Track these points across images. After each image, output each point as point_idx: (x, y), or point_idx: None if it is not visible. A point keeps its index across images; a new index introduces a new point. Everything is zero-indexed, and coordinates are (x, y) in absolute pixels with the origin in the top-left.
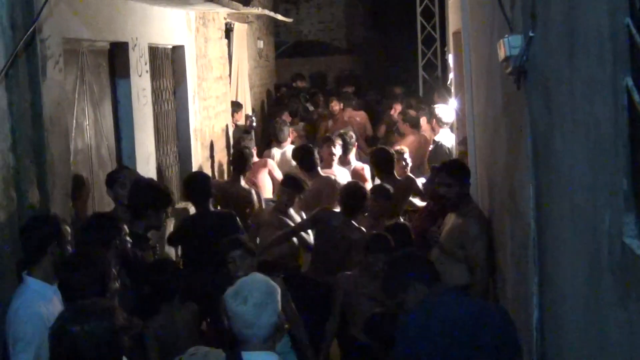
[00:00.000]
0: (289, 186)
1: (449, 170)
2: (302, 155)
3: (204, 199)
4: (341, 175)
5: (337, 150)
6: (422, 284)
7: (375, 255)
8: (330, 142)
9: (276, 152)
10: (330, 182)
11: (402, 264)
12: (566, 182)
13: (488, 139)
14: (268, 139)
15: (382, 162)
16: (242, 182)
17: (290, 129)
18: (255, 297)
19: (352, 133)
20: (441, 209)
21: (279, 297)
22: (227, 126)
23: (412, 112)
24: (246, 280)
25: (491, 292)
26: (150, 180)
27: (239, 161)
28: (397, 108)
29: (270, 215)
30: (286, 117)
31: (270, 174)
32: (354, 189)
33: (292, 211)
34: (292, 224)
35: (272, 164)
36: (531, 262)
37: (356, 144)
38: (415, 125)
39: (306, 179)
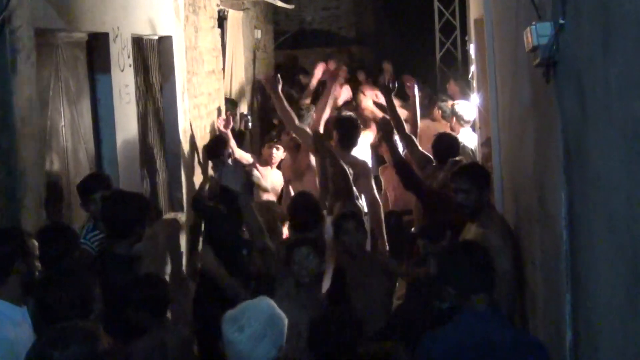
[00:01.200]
0: None
1: (466, 175)
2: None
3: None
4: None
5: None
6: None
7: None
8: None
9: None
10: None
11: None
12: (602, 186)
13: (514, 139)
14: (266, 141)
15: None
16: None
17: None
18: (253, 326)
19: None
20: (457, 219)
21: (284, 329)
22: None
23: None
24: (248, 305)
25: (518, 312)
26: (124, 192)
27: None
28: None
29: None
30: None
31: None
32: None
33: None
34: None
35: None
36: (563, 277)
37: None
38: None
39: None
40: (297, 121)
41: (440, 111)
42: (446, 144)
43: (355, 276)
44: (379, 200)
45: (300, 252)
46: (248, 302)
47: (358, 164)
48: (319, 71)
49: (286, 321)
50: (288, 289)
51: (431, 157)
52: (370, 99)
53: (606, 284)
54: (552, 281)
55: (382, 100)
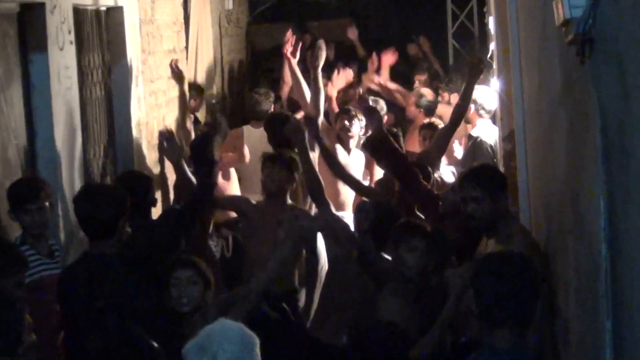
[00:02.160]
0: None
1: (477, 179)
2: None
3: None
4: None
5: (356, 127)
6: None
7: None
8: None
9: (250, 132)
10: None
11: None
12: None
13: (542, 133)
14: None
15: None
16: None
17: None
18: (227, 351)
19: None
20: (469, 234)
21: (257, 350)
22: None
23: (426, 93)
24: (212, 330)
25: (548, 343)
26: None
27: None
28: (422, 79)
29: None
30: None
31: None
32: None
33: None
34: None
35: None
36: (603, 300)
37: None
38: (430, 113)
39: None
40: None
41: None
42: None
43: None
44: None
45: None
46: (209, 328)
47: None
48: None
49: (258, 342)
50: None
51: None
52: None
53: None
54: (589, 307)
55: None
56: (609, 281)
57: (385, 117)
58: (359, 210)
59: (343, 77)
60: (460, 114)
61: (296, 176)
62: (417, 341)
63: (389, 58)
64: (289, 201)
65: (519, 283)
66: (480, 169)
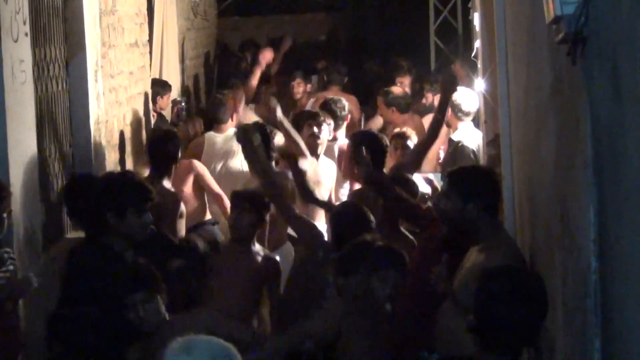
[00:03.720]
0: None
1: (452, 175)
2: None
3: None
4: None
5: (325, 133)
6: None
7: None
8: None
9: (212, 138)
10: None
11: None
12: None
13: (529, 138)
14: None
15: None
16: (167, 183)
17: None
18: (203, 347)
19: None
20: (454, 239)
21: None
22: (146, 116)
23: (396, 90)
24: (200, 337)
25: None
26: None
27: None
28: (405, 82)
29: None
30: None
31: (198, 180)
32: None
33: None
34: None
35: (200, 167)
36: (591, 316)
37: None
38: (405, 108)
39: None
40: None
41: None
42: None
43: None
44: None
45: None
46: (197, 335)
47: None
48: (264, 58)
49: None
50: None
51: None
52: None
53: None
54: (577, 323)
55: None
56: (598, 297)
57: (348, 117)
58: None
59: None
60: (436, 127)
61: (266, 218)
62: None
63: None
64: (256, 246)
65: (526, 307)
66: (463, 169)
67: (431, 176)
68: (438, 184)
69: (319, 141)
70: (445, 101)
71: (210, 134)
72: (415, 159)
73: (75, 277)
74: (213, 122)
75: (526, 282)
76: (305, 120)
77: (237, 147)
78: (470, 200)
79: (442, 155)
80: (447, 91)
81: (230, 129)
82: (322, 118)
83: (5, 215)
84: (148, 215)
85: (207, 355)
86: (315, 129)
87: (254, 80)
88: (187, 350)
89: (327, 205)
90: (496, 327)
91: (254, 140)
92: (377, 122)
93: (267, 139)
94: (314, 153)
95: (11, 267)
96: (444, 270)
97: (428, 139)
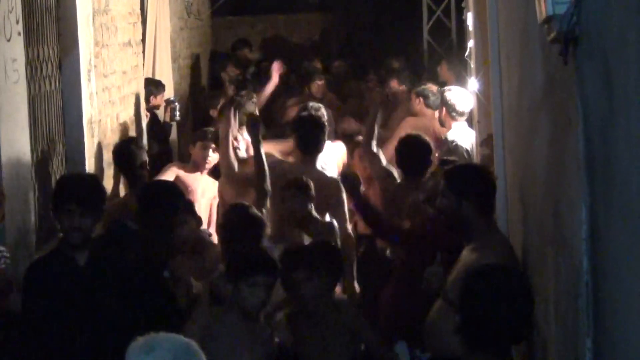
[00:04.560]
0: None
1: (449, 174)
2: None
3: None
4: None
5: None
6: None
7: None
8: None
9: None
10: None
11: None
12: (636, 199)
13: (522, 137)
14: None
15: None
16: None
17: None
18: (164, 347)
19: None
20: (447, 236)
21: None
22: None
23: (394, 85)
24: (155, 335)
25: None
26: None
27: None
28: (394, 86)
29: None
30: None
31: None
32: None
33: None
34: None
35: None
36: (583, 315)
37: None
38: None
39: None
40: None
41: (420, 99)
42: (413, 151)
43: (309, 335)
44: (352, 235)
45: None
46: (150, 335)
47: (328, 184)
48: (276, 73)
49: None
50: (231, 322)
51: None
52: None
53: (638, 328)
54: (569, 322)
55: None
56: (590, 296)
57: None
58: None
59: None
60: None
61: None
62: None
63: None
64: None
65: (509, 305)
66: (459, 167)
67: None
68: None
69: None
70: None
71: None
72: None
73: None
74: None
75: (508, 280)
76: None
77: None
78: (465, 198)
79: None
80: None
81: None
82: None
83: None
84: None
85: (169, 354)
86: None
87: (264, 98)
88: (148, 350)
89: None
90: (480, 327)
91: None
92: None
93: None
94: None
95: (3, 266)
96: (440, 270)
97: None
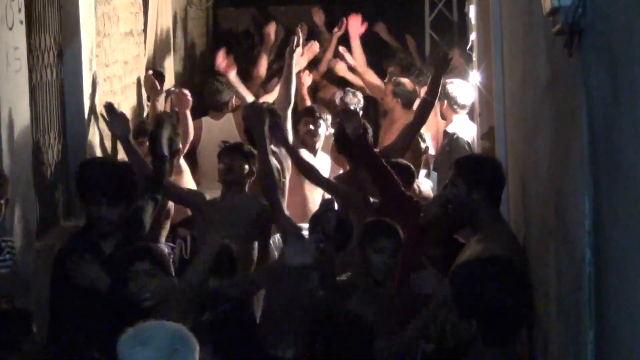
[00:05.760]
0: None
1: (459, 163)
2: None
3: None
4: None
5: (322, 129)
6: None
7: None
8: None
9: (210, 124)
10: None
11: None
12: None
13: (525, 130)
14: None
15: None
16: None
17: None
18: (159, 338)
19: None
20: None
21: (196, 353)
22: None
23: (407, 82)
24: (148, 323)
25: (527, 352)
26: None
27: None
28: (392, 71)
29: None
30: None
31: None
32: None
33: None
34: None
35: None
36: (585, 309)
37: None
38: (409, 104)
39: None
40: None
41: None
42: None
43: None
44: None
45: None
46: (147, 322)
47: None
48: (271, 33)
49: (198, 347)
50: None
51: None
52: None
53: None
54: (571, 315)
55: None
56: (592, 289)
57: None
58: (322, 215)
59: (306, 55)
60: (425, 110)
61: (254, 170)
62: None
63: (356, 26)
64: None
65: (505, 295)
66: (471, 157)
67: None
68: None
69: (315, 138)
70: (437, 82)
71: (207, 119)
72: (403, 142)
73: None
74: (210, 109)
75: (498, 269)
76: (302, 117)
77: (236, 134)
78: (476, 188)
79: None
80: (440, 70)
81: (227, 114)
82: (318, 114)
83: (2, 202)
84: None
85: (165, 343)
86: (312, 127)
87: (262, 68)
88: (143, 342)
89: (328, 184)
90: (476, 317)
91: (264, 121)
92: None
93: (277, 124)
94: (312, 150)
95: (10, 262)
96: (430, 273)
97: (417, 121)
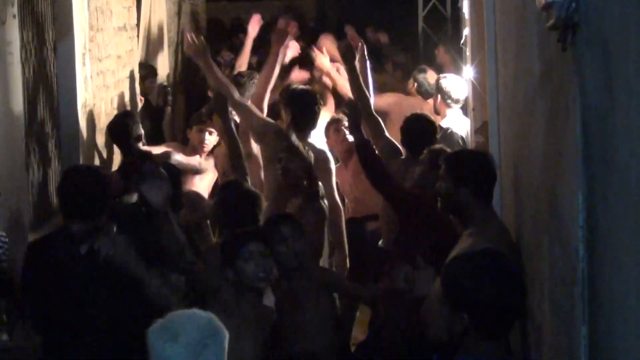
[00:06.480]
0: None
1: (447, 158)
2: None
3: None
4: None
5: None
6: None
7: None
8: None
9: None
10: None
11: None
12: (633, 188)
13: (518, 125)
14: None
15: None
16: None
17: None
18: (190, 334)
19: None
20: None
21: (225, 343)
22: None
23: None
24: (179, 314)
25: (519, 347)
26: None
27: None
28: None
29: None
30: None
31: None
32: None
33: None
34: None
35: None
36: (579, 304)
37: None
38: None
39: None
40: (237, 95)
41: (415, 84)
42: (419, 129)
43: (288, 297)
44: (340, 204)
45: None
46: (177, 312)
47: (316, 156)
48: (254, 26)
49: (227, 335)
50: (225, 300)
51: (399, 146)
52: (328, 57)
53: (635, 316)
54: (564, 310)
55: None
56: (585, 284)
57: None
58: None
59: (293, 48)
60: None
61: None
62: None
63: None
64: None
65: (496, 289)
66: (459, 152)
67: None
68: None
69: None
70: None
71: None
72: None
73: None
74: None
75: (488, 264)
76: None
77: None
78: (464, 184)
79: None
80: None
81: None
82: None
83: None
84: None
85: (196, 339)
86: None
87: (245, 58)
88: (173, 337)
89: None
90: (467, 312)
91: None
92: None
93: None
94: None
95: (1, 256)
96: (428, 273)
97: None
